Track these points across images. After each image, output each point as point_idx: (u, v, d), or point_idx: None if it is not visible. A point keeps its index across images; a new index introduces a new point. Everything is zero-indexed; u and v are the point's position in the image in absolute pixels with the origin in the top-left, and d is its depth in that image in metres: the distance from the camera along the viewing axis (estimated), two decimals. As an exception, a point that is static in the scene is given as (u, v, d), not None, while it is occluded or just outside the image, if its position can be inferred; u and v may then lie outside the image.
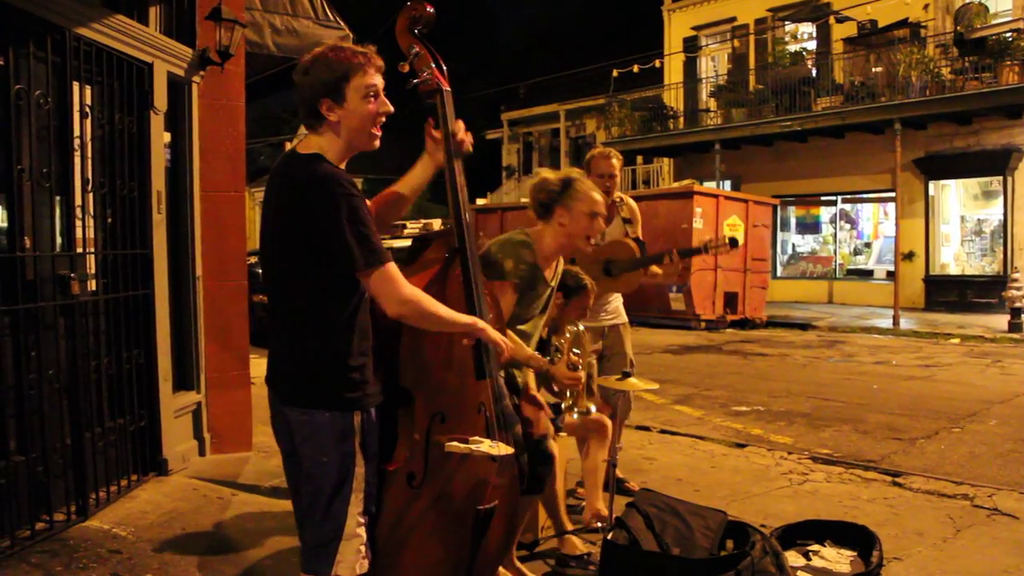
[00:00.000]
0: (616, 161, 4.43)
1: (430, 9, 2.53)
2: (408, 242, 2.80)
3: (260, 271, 2.33)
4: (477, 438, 2.44)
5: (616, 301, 4.56)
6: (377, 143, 2.31)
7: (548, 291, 3.26)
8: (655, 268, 4.36)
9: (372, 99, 2.22)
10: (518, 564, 3.28)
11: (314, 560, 2.23)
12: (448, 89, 2.54)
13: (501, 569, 3.09)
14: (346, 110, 2.20)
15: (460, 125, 2.53)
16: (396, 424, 2.42)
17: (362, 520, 2.23)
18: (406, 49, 2.54)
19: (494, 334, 2.42)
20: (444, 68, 2.56)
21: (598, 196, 3.22)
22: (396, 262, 2.24)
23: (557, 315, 3.73)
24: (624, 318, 4.60)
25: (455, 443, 2.39)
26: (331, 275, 2.15)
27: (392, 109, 2.28)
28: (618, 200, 4.49)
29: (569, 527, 3.55)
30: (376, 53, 2.27)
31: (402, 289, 2.17)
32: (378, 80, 2.24)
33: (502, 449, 2.46)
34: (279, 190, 2.24)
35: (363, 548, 2.23)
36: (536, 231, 3.21)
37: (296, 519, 2.35)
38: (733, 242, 4.38)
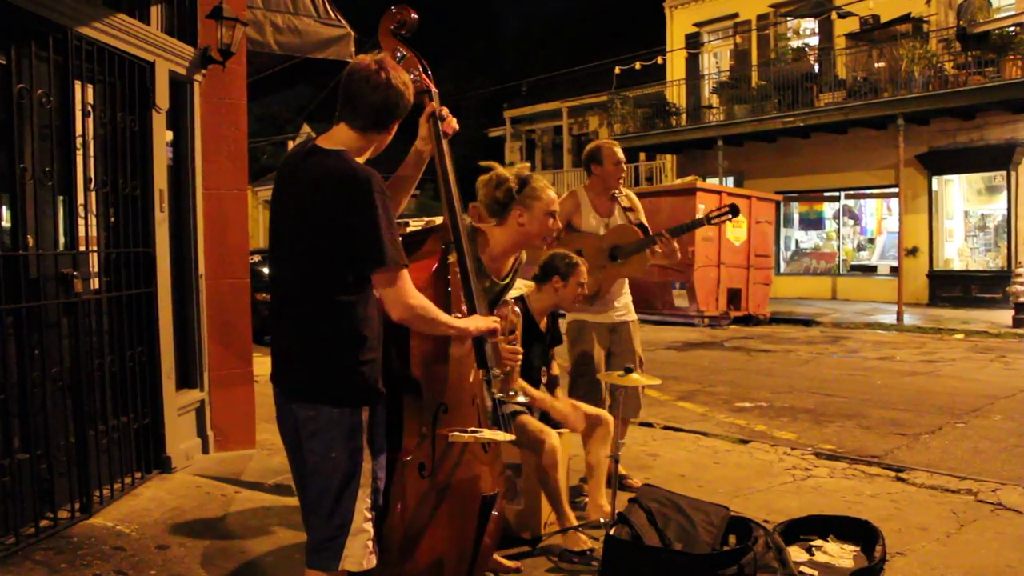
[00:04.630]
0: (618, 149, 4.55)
1: (413, 14, 2.59)
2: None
3: (264, 269, 2.38)
4: (474, 427, 2.52)
5: (626, 297, 4.57)
6: None
7: (494, 288, 3.06)
8: (660, 248, 4.36)
9: None
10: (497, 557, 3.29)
11: (321, 555, 2.23)
12: (435, 90, 2.60)
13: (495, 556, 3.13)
14: (396, 127, 2.36)
15: (445, 110, 2.60)
16: (401, 416, 2.45)
17: (369, 515, 2.23)
18: (391, 52, 2.58)
19: (484, 324, 2.49)
20: (430, 71, 2.62)
21: (553, 194, 3.10)
22: None
23: (559, 297, 3.90)
24: (634, 315, 4.60)
25: (457, 433, 2.46)
26: (347, 271, 2.16)
27: None
28: (616, 192, 4.50)
29: (572, 521, 3.56)
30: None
31: (410, 294, 2.22)
32: None
33: (503, 436, 2.53)
34: (305, 184, 2.23)
35: (370, 543, 2.23)
36: (485, 227, 3.06)
37: (302, 515, 2.36)
38: (734, 209, 4.39)
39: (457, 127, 2.63)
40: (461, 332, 2.45)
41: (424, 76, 2.59)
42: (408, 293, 2.21)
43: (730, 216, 4.39)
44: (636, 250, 4.37)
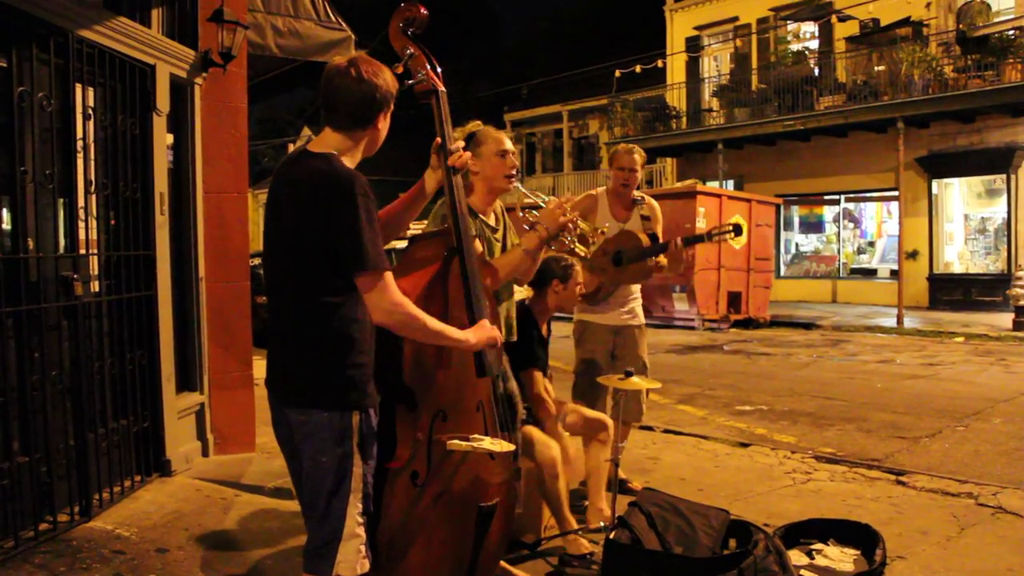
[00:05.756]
0: (638, 157, 4.51)
1: (423, 11, 2.56)
2: (405, 243, 2.81)
3: (262, 272, 2.37)
4: (477, 436, 2.46)
5: (634, 302, 4.55)
6: None
7: (497, 233, 3.26)
8: (662, 258, 4.36)
9: None
10: (505, 564, 3.27)
11: (315, 561, 2.23)
12: (443, 90, 2.57)
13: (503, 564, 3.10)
14: (387, 120, 2.33)
15: (458, 145, 2.59)
16: (395, 423, 2.42)
17: (361, 520, 2.23)
18: (400, 51, 2.56)
19: (484, 335, 2.44)
20: (439, 69, 2.59)
21: (501, 135, 3.25)
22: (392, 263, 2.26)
23: (559, 300, 3.92)
24: (641, 320, 4.58)
25: (456, 441, 2.41)
26: (336, 274, 2.15)
27: None
28: (639, 198, 4.51)
29: (572, 526, 3.55)
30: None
31: (392, 299, 2.18)
32: None
33: (503, 446, 2.47)
34: (292, 187, 2.24)
35: (363, 548, 2.23)
36: None
37: (304, 519, 2.35)
38: (737, 228, 4.39)
39: (469, 163, 2.67)
40: (458, 344, 2.39)
41: (432, 75, 2.56)
42: (389, 298, 2.16)
43: (733, 234, 4.39)
44: (638, 257, 4.37)
